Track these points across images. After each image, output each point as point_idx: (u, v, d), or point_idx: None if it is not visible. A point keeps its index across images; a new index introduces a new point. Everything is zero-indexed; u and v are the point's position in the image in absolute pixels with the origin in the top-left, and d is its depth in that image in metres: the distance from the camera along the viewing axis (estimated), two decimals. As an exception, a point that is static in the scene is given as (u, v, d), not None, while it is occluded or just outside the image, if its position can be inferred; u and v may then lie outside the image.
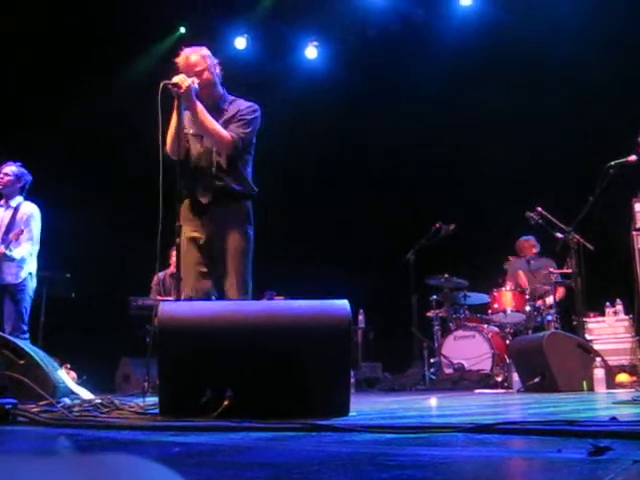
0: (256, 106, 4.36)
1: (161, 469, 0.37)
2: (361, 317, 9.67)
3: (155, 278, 8.20)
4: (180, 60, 4.25)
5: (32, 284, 6.32)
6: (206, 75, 4.25)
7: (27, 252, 6.17)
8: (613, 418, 2.31)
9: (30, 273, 6.26)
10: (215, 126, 4.14)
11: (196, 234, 4.19)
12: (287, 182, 10.48)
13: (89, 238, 9.31)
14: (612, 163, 6.37)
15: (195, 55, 4.26)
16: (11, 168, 6.36)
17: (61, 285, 7.40)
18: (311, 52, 11.21)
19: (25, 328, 6.20)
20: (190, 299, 3.98)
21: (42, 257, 6.45)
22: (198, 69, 4.21)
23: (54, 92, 9.64)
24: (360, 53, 10.73)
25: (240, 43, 10.97)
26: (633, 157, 6.24)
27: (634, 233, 7.36)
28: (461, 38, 9.70)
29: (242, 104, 4.35)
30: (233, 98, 4.40)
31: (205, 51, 4.33)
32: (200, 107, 4.12)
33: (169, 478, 0.37)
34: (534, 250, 8.16)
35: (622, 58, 8.45)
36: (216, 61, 4.37)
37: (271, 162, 6.43)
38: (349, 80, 10.81)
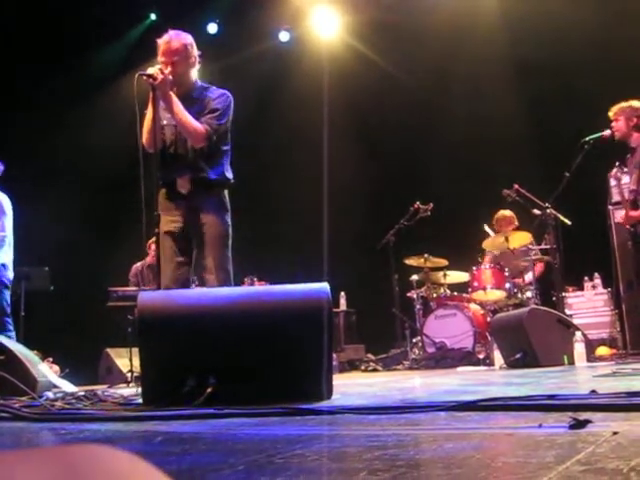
0: (228, 94, 4.33)
1: (131, 458, 0.37)
2: (342, 300, 9.70)
3: (133, 269, 8.15)
4: (162, 42, 4.19)
5: (7, 275, 6.21)
6: (183, 65, 4.20)
7: None
8: (593, 391, 2.33)
9: (3, 264, 6.15)
10: (188, 119, 4.11)
11: (173, 224, 4.17)
12: (263, 166, 10.45)
13: (64, 230, 9.24)
14: (587, 139, 6.40)
15: (177, 42, 4.20)
16: None
17: (39, 279, 7.33)
18: (284, 36, 11.21)
19: (10, 322, 6.11)
20: (168, 289, 3.96)
21: (18, 251, 6.37)
22: (176, 58, 4.16)
23: (26, 79, 9.50)
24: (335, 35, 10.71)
25: (212, 28, 10.93)
26: (607, 132, 6.27)
27: (610, 207, 7.44)
28: (449, 17, 9.68)
29: (214, 92, 4.32)
30: (205, 86, 4.37)
31: (189, 40, 4.27)
32: (175, 100, 4.09)
33: (139, 467, 0.36)
34: (513, 224, 8.17)
35: (599, 31, 8.46)
36: (198, 53, 4.31)
37: (246, 146, 6.40)
38: (324, 63, 10.78)
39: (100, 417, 2.71)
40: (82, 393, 3.69)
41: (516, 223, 8.16)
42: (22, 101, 9.40)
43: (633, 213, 6.09)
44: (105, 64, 10.28)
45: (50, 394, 3.71)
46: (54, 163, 9.59)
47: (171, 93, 4.07)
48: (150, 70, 4.01)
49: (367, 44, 10.57)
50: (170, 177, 4.19)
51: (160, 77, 3.97)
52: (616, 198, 7.28)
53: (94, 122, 9.69)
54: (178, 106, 4.10)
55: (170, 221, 4.16)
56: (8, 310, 6.15)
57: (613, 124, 6.21)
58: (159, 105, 4.09)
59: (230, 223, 4.25)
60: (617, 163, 6.87)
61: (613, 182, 7.39)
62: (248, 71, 10.34)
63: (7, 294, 6.19)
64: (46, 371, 4.37)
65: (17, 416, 2.79)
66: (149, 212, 3.91)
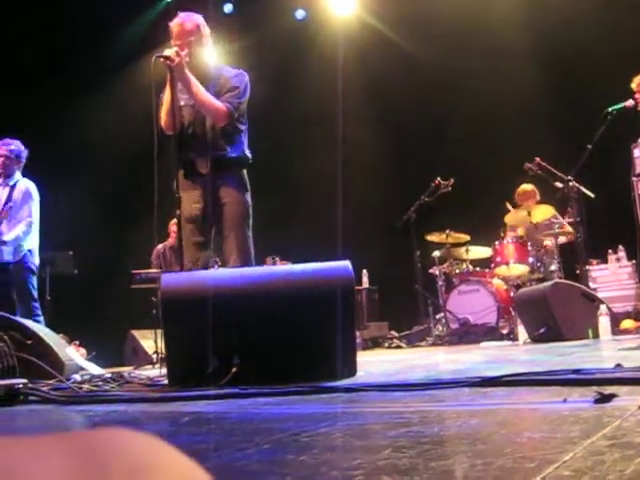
0: (244, 73, 4.34)
1: (151, 440, 0.37)
2: (365, 278, 9.69)
3: (154, 251, 8.17)
4: (174, 25, 4.20)
5: (34, 260, 6.29)
6: (198, 45, 4.21)
7: (20, 231, 6.12)
8: (618, 365, 2.32)
9: (30, 250, 6.23)
10: (209, 98, 4.11)
11: (194, 204, 4.18)
12: (280, 145, 10.43)
13: (87, 214, 9.30)
14: (609, 109, 6.30)
15: (190, 23, 4.21)
16: (10, 148, 6.28)
17: (64, 263, 7.39)
18: (299, 14, 11.16)
19: (38, 306, 6.19)
20: (189, 270, 3.98)
21: (42, 236, 6.43)
22: (192, 38, 4.16)
23: (47, 65, 9.52)
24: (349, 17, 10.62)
25: (227, 7, 10.91)
26: (630, 102, 6.18)
27: (634, 179, 7.33)
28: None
29: (230, 72, 4.32)
30: (220, 66, 4.37)
31: (201, 19, 4.29)
32: (193, 80, 4.09)
33: (159, 449, 0.37)
34: (535, 199, 8.07)
35: (615, 6, 8.32)
36: (208, 31, 4.32)
37: (263, 125, 6.38)
38: (340, 40, 10.69)
39: (127, 398, 2.74)
40: (109, 375, 3.74)
41: (538, 197, 8.05)
42: (40, 85, 9.43)
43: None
44: (122, 47, 10.27)
45: (77, 377, 3.76)
46: (75, 148, 9.62)
47: (189, 74, 4.07)
48: (167, 52, 4.01)
49: (383, 20, 10.46)
50: (189, 157, 4.20)
51: (177, 59, 3.97)
52: (640, 169, 7.18)
53: (113, 106, 9.71)
54: (197, 86, 4.10)
55: (190, 202, 4.16)
56: (35, 295, 6.22)
57: (637, 95, 6.11)
58: (177, 87, 4.09)
59: (250, 203, 4.26)
60: None
61: (637, 153, 7.28)
62: (264, 50, 10.28)
63: (34, 279, 6.26)
64: (73, 354, 4.42)
65: (45, 399, 2.83)
66: (169, 194, 3.92)
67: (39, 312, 6.16)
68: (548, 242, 7.83)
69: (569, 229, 7.53)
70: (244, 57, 6.07)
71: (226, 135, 4.21)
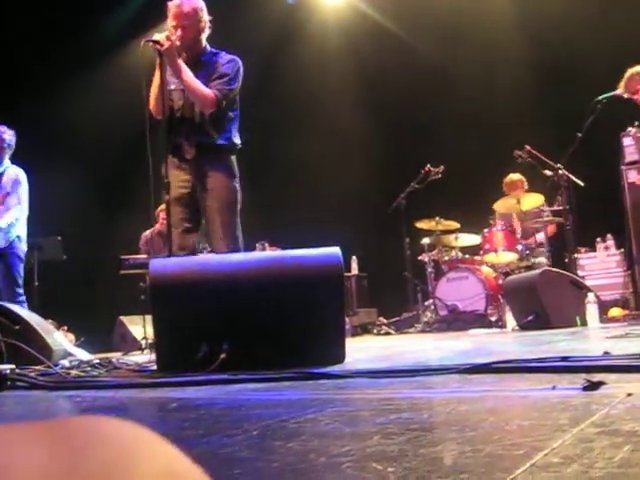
0: (237, 60, 4.28)
1: (135, 427, 0.36)
2: (354, 264, 9.71)
3: (142, 237, 8.13)
4: (172, 5, 4.15)
5: (22, 247, 6.26)
6: (194, 30, 4.16)
7: (14, 218, 6.11)
8: (606, 353, 2.33)
9: (18, 236, 6.20)
10: (197, 85, 4.08)
11: (181, 190, 4.16)
12: (270, 130, 10.40)
13: (75, 200, 9.25)
14: (600, 97, 6.31)
15: (188, 6, 4.15)
16: (1, 136, 6.23)
17: (52, 248, 7.35)
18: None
19: (21, 292, 6.18)
20: (176, 256, 3.97)
21: (30, 222, 6.39)
22: (187, 22, 4.12)
23: (32, 47, 9.42)
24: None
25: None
26: (620, 90, 6.18)
27: (623, 168, 7.35)
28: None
29: (223, 57, 4.27)
30: (215, 51, 4.32)
31: (201, 4, 4.22)
32: (182, 65, 4.05)
33: (143, 437, 0.36)
34: (523, 188, 8.08)
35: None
36: (209, 17, 4.26)
37: (254, 111, 6.35)
38: (332, 23, 10.66)
39: (115, 384, 2.74)
40: (97, 361, 3.74)
41: (526, 187, 8.06)
42: (28, 69, 9.35)
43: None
44: (110, 31, 10.18)
45: (65, 362, 3.75)
46: (63, 132, 9.56)
47: (179, 60, 4.03)
48: (156, 36, 3.97)
49: (374, 7, 10.43)
50: (177, 141, 4.18)
51: (167, 43, 3.93)
52: (630, 158, 7.19)
53: (102, 90, 9.64)
54: (186, 72, 4.06)
55: (178, 187, 4.14)
56: (20, 282, 6.20)
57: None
58: (166, 71, 4.05)
59: (238, 189, 4.24)
60: (637, 123, 6.77)
61: (627, 142, 7.30)
62: (254, 33, 10.21)
63: (21, 267, 6.24)
64: (61, 340, 4.41)
65: (33, 385, 2.82)
66: (157, 179, 3.90)
67: (23, 299, 6.14)
68: (538, 230, 7.85)
69: (556, 218, 7.55)
70: (233, 39, 6.01)
71: (214, 121, 4.19)
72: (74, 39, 9.54)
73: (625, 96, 6.16)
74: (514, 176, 8.15)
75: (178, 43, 4.02)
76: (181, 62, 4.05)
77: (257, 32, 10.21)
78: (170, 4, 4.17)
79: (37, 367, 3.35)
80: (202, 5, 4.23)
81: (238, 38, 7.90)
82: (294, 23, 10.87)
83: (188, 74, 4.07)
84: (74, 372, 3.23)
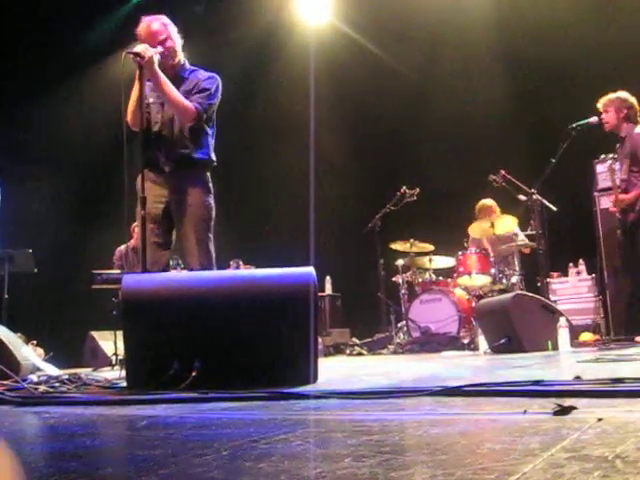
0: (217, 77, 4.32)
1: None
2: (328, 284, 9.70)
3: (117, 252, 8.06)
4: (141, 29, 4.17)
5: None
6: (169, 43, 4.19)
7: None
8: (577, 377, 2.34)
9: None
10: (178, 97, 4.09)
11: (155, 204, 4.13)
12: (248, 149, 10.40)
13: (49, 212, 9.16)
14: (574, 125, 6.40)
15: (156, 23, 4.19)
16: None
17: (23, 261, 7.27)
18: (270, 17, 11.08)
19: None
20: (147, 272, 3.93)
21: (1, 234, 6.31)
22: (161, 37, 4.14)
23: (10, 62, 9.36)
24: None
25: (197, 8, 10.80)
26: (595, 118, 6.28)
27: (596, 194, 7.46)
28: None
29: (202, 75, 4.30)
30: (193, 68, 4.34)
31: (165, 19, 4.27)
32: (163, 78, 4.05)
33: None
34: (495, 213, 8.15)
35: (587, 19, 8.45)
36: (176, 29, 4.29)
37: (232, 128, 6.35)
38: (311, 44, 10.70)
39: (84, 401, 2.69)
40: (66, 376, 3.67)
41: (497, 212, 8.14)
42: (3, 81, 9.27)
43: (623, 196, 6.12)
44: (91, 43, 10.13)
45: (34, 377, 3.68)
46: (38, 144, 9.48)
47: (159, 72, 4.03)
48: (137, 48, 3.96)
49: (353, 26, 10.49)
50: (154, 155, 4.16)
51: (148, 55, 3.92)
52: (602, 185, 7.30)
53: (78, 102, 9.59)
54: (167, 84, 4.06)
55: (152, 202, 4.11)
56: None
57: (603, 115, 6.22)
58: (145, 83, 4.05)
59: (213, 205, 4.23)
60: (611, 155, 6.88)
61: (599, 169, 7.41)
62: (234, 52, 10.24)
63: None
64: (30, 354, 4.34)
65: (0, 400, 2.77)
66: (132, 193, 3.87)
67: None
68: (511, 254, 7.91)
69: (529, 243, 7.62)
70: (213, 58, 6.03)
71: (192, 135, 4.19)
72: (51, 51, 9.48)
73: (598, 122, 6.27)
74: (487, 201, 8.24)
75: (159, 56, 4.02)
76: (161, 74, 4.05)
77: (236, 51, 10.24)
78: (139, 29, 4.18)
79: (4, 382, 3.29)
80: (168, 20, 4.27)
81: (216, 57, 7.93)
82: (274, 43, 10.91)
83: (169, 86, 4.07)
84: (42, 388, 3.17)
